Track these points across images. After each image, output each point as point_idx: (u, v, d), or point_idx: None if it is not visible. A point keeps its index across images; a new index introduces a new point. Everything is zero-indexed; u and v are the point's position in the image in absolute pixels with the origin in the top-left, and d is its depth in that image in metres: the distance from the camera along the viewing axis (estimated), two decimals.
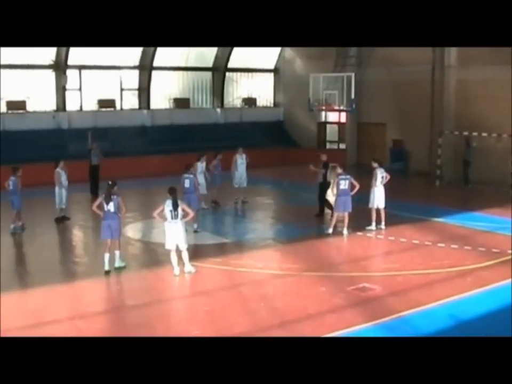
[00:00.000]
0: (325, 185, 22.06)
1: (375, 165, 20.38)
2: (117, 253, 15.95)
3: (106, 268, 15.58)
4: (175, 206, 15.00)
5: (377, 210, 20.14)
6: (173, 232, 15.13)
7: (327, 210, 21.69)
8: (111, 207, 15.64)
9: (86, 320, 12.44)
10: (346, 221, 19.52)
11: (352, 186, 19.41)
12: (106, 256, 15.66)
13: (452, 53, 31.54)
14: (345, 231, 19.44)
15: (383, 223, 20.09)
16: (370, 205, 20.15)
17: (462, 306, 13.21)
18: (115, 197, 15.69)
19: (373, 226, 20.02)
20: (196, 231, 19.12)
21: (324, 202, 22.09)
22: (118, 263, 16.00)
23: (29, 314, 12.59)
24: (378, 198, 20.07)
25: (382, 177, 20.16)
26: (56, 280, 15.43)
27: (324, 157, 22.35)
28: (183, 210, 15.17)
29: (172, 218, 15.06)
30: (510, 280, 14.93)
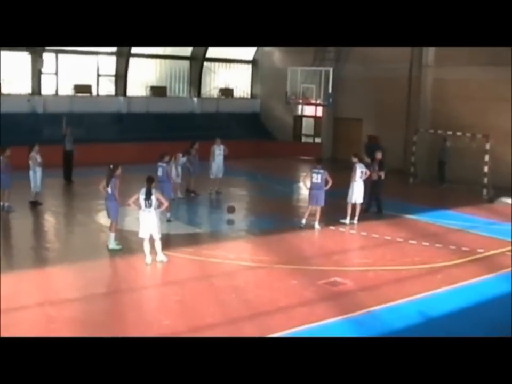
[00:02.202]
0: (378, 183, 21.83)
1: (355, 159, 20.46)
2: (112, 235, 16.30)
3: (110, 247, 16.38)
4: (148, 195, 15.02)
5: (353, 205, 20.23)
6: (147, 220, 15.16)
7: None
8: (109, 189, 16.18)
9: (56, 306, 12.38)
10: (317, 215, 19.55)
11: (326, 181, 19.43)
12: (111, 235, 16.43)
13: (430, 52, 31.74)
14: (316, 225, 19.49)
15: (356, 218, 20.19)
16: (348, 200, 20.24)
17: (431, 303, 13.32)
18: (113, 179, 16.17)
19: (347, 220, 20.09)
20: (168, 220, 19.09)
21: (377, 199, 22.00)
22: (112, 245, 16.28)
23: None
24: (357, 193, 20.16)
25: (362, 172, 20.23)
26: (27, 265, 15.35)
27: (379, 155, 22.22)
28: (157, 199, 15.16)
29: (146, 206, 15.08)
30: (479, 278, 15.11)
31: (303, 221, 19.61)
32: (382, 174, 21.67)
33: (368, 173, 20.36)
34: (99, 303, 12.85)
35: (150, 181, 15.34)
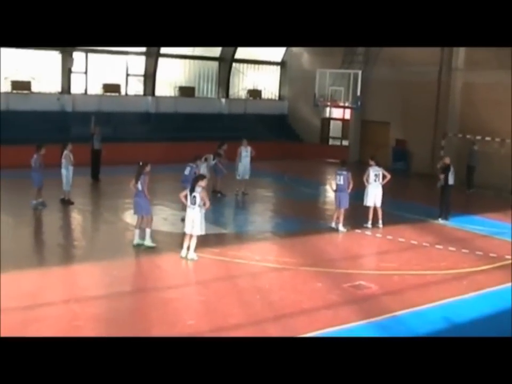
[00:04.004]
0: (446, 188, 21.75)
1: (371, 162, 20.34)
2: (148, 231, 16.55)
3: (135, 242, 16.54)
4: (191, 191, 15.39)
5: (374, 208, 20.14)
6: (189, 216, 15.54)
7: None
8: (139, 185, 16.41)
9: (81, 304, 12.44)
10: (341, 217, 19.49)
11: (347, 183, 19.39)
12: (136, 231, 16.67)
13: (460, 56, 31.58)
14: (341, 227, 19.43)
15: (380, 221, 20.09)
16: (364, 203, 20.16)
17: (456, 309, 13.22)
18: (142, 176, 16.44)
19: (369, 224, 20.02)
20: (182, 220, 18.66)
21: (444, 204, 21.88)
22: (147, 242, 16.50)
23: (24, 296, 12.59)
24: (371, 196, 20.03)
25: (376, 176, 20.09)
26: (54, 262, 15.50)
27: (446, 160, 22.18)
28: (202, 198, 15.40)
29: (190, 203, 15.45)
30: (505, 285, 14.97)
31: (333, 224, 19.58)
32: (449, 180, 21.52)
33: (387, 176, 20.15)
34: (124, 302, 12.91)
35: (196, 178, 15.80)
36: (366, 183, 20.13)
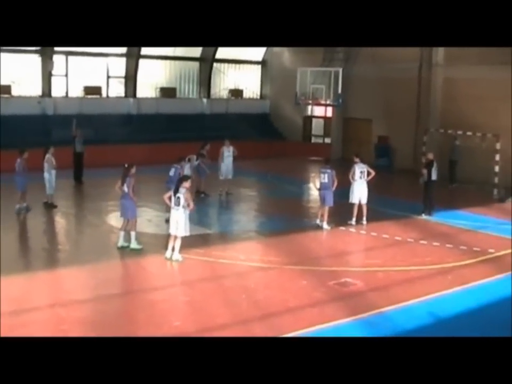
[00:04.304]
0: (429, 184, 21.81)
1: (356, 159, 20.40)
2: (132, 234, 16.55)
3: (119, 244, 16.53)
4: (175, 192, 15.39)
5: (359, 205, 20.20)
6: (174, 217, 15.54)
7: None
8: (125, 187, 16.42)
9: (66, 308, 12.40)
10: (325, 215, 19.55)
11: (332, 181, 19.44)
12: (121, 233, 16.61)
13: (440, 52, 31.75)
14: (325, 225, 19.49)
15: (364, 218, 20.15)
16: (350, 200, 20.20)
17: (441, 304, 13.29)
18: (127, 178, 16.45)
19: (353, 221, 20.07)
20: (167, 221, 18.14)
21: (428, 200, 21.95)
22: (133, 245, 16.48)
23: (9, 301, 12.50)
24: (357, 193, 20.09)
25: (361, 172, 20.14)
26: (39, 266, 15.44)
27: (430, 155, 22.30)
28: (186, 199, 15.39)
29: (175, 204, 15.44)
30: (489, 278, 15.07)
31: (318, 221, 19.64)
32: (432, 175, 21.61)
33: (372, 173, 20.23)
34: (109, 304, 12.87)
35: (180, 179, 15.82)
36: (351, 180, 20.17)
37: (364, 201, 20.22)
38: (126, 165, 16.72)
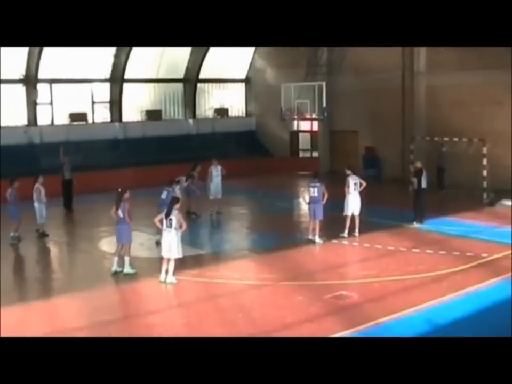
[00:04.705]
0: (419, 192, 21.82)
1: (348, 172, 20.45)
2: (126, 259, 16.46)
3: (113, 269, 16.47)
4: (167, 215, 15.33)
5: (352, 217, 20.22)
6: (166, 240, 15.47)
7: None
8: (120, 212, 16.35)
9: (62, 335, 12.33)
10: (317, 229, 19.57)
11: (323, 195, 19.46)
12: (115, 258, 16.54)
13: (421, 59, 32.00)
14: (317, 239, 19.50)
15: (357, 230, 20.17)
16: (345, 212, 20.22)
17: (438, 311, 13.29)
18: (122, 203, 16.39)
19: (345, 234, 20.09)
20: (157, 242, 18.09)
21: (418, 208, 21.96)
22: (126, 269, 16.42)
23: (4, 331, 12.42)
24: (352, 205, 20.14)
25: (355, 184, 20.21)
26: (34, 296, 15.40)
27: (418, 164, 22.34)
28: (178, 221, 15.37)
29: (167, 226, 15.38)
30: (484, 283, 15.09)
31: (310, 235, 19.64)
32: (422, 183, 21.63)
33: (363, 184, 20.30)
34: (106, 331, 12.78)
35: (172, 201, 15.73)
36: (346, 193, 20.19)
37: (357, 213, 20.25)
38: (120, 190, 16.68)
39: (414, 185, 21.85)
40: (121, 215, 16.39)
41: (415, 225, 21.56)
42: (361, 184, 20.30)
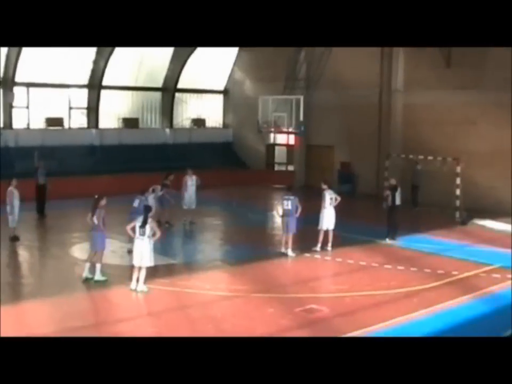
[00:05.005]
0: (393, 208, 21.89)
1: (324, 186, 20.52)
2: (98, 266, 16.33)
3: (84, 275, 16.29)
4: (144, 223, 15.25)
5: (326, 231, 20.27)
6: (139, 248, 15.37)
7: None
8: (95, 219, 16.22)
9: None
10: (290, 242, 19.59)
11: (296, 208, 19.50)
12: (86, 265, 16.41)
13: (399, 77, 32.25)
14: (290, 252, 19.52)
15: (329, 244, 20.23)
16: (319, 227, 20.26)
17: (408, 327, 13.34)
18: (97, 210, 16.24)
19: (318, 248, 20.12)
20: (129, 251, 17.64)
21: (392, 225, 22.04)
22: (97, 277, 16.29)
23: None
24: (327, 219, 20.20)
25: (331, 199, 20.28)
26: (2, 301, 15.20)
27: (392, 181, 22.40)
28: (152, 228, 15.32)
29: (140, 234, 15.31)
30: (454, 300, 15.19)
31: (283, 249, 19.66)
32: (396, 200, 21.74)
33: (338, 199, 20.38)
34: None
35: (147, 210, 15.69)
36: (322, 207, 20.23)
37: (331, 227, 20.31)
38: (96, 196, 16.56)
39: (388, 202, 21.96)
40: (95, 221, 16.29)
41: (388, 241, 21.68)
42: (336, 199, 20.37)
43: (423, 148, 28.98)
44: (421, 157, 28.50)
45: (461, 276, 17.48)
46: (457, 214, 26.43)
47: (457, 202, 26.53)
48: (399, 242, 21.64)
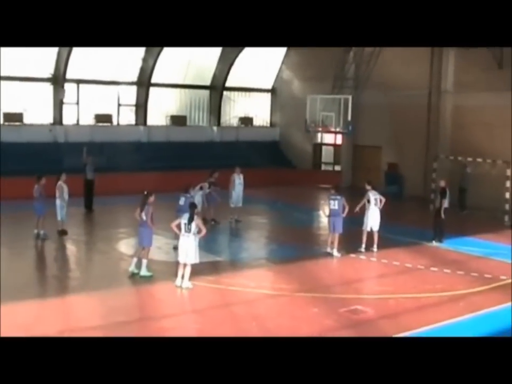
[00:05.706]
0: (441, 211, 21.64)
1: (368, 187, 20.41)
2: (144, 261, 16.51)
3: (130, 269, 16.54)
4: (190, 221, 15.36)
5: (370, 232, 20.16)
6: (184, 245, 15.49)
7: None
8: (143, 215, 16.39)
9: (75, 334, 12.36)
10: (336, 242, 19.52)
11: (343, 208, 19.43)
12: (133, 260, 16.74)
13: (449, 79, 31.86)
14: (335, 252, 19.45)
15: (375, 245, 20.10)
16: (363, 227, 20.17)
17: (452, 331, 13.18)
18: (146, 206, 16.41)
19: (363, 249, 20.02)
20: (175, 248, 17.96)
21: (439, 227, 21.87)
22: (143, 272, 16.47)
23: (19, 328, 12.49)
24: (371, 220, 20.09)
25: (375, 200, 20.16)
26: (49, 294, 15.45)
27: (442, 183, 22.22)
28: (197, 225, 15.42)
29: (185, 231, 15.41)
30: (502, 305, 14.96)
31: (328, 248, 19.59)
32: (444, 203, 21.49)
33: (383, 200, 20.25)
34: (119, 332, 12.80)
35: (192, 207, 15.77)
36: (366, 208, 20.15)
37: (376, 228, 20.19)
38: (145, 193, 16.70)
39: (436, 204, 21.72)
40: (144, 218, 16.43)
41: (434, 243, 21.46)
42: (381, 200, 20.25)
43: (472, 150, 28.60)
44: (470, 159, 28.15)
45: (509, 280, 17.17)
46: (506, 218, 26.05)
47: (507, 206, 26.16)
48: (446, 245, 21.40)
